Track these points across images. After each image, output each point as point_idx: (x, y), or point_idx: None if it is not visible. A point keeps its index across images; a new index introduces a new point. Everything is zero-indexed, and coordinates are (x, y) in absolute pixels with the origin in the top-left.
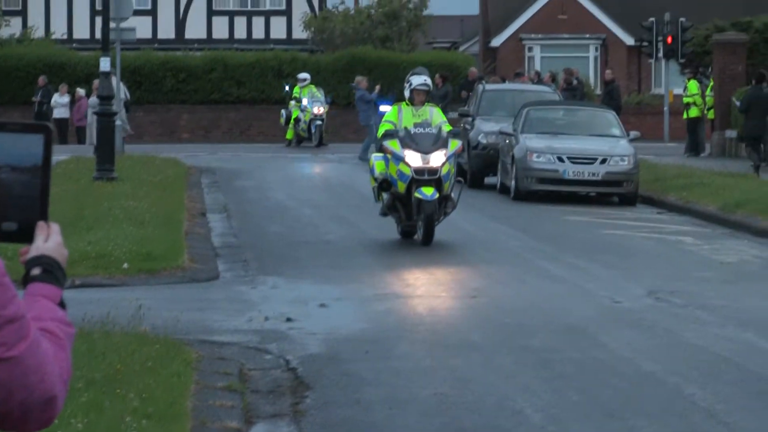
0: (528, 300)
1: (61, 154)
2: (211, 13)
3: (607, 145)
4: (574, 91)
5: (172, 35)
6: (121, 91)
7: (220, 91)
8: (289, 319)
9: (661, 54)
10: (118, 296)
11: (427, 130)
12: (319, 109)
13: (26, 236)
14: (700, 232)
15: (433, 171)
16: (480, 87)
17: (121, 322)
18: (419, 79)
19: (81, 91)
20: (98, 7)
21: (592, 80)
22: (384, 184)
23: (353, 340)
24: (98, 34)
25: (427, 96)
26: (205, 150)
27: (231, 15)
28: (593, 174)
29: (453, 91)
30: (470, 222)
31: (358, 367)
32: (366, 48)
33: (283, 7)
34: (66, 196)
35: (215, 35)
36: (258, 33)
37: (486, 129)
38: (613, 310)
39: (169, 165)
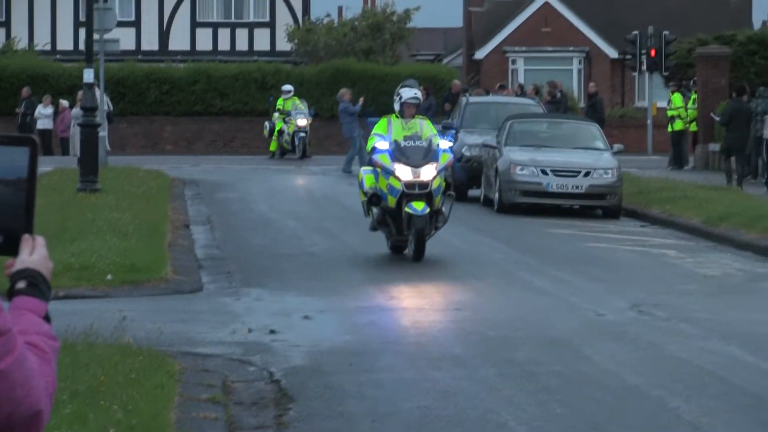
0: (512, 313)
1: (44, 166)
2: (194, 24)
3: (590, 158)
4: (557, 104)
5: (155, 47)
6: (104, 103)
7: (204, 102)
8: (272, 331)
9: (644, 67)
10: (102, 308)
11: (417, 143)
12: (303, 121)
13: (11, 249)
14: (684, 245)
15: (424, 185)
16: (463, 99)
17: (104, 333)
18: (410, 93)
19: (64, 103)
20: (82, 18)
21: (575, 93)
22: (374, 199)
23: (337, 352)
24: (82, 46)
25: (417, 108)
26: (188, 162)
27: (215, 27)
28: (577, 187)
29: (436, 104)
30: (454, 234)
31: (342, 379)
32: (350, 60)
33: (267, 19)
34: (50, 207)
35: (199, 47)
36: (242, 45)
37: (470, 141)
38: (597, 323)
39: (153, 177)
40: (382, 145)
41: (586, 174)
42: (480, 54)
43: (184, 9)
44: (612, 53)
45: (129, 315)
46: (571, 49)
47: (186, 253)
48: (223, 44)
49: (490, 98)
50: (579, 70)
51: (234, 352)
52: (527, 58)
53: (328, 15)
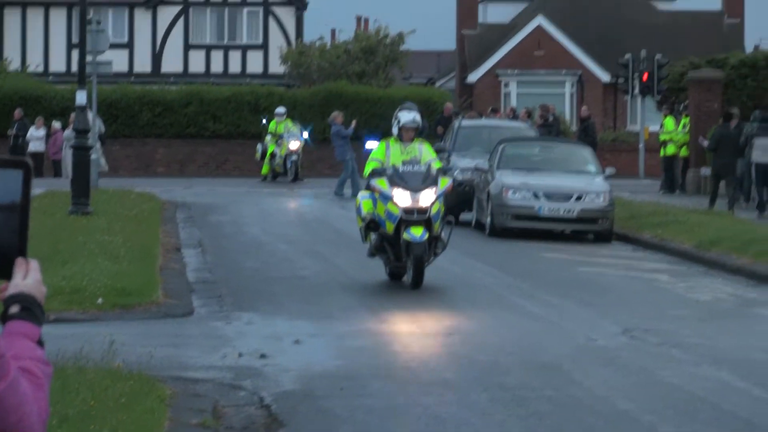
0: (503, 337)
1: (36, 188)
2: (187, 47)
3: (582, 181)
4: (549, 128)
5: (148, 69)
6: (97, 125)
7: (196, 125)
8: (263, 356)
9: (636, 91)
10: (92, 331)
11: (415, 168)
12: (295, 144)
13: (5, 272)
14: (675, 270)
15: (423, 210)
16: (456, 123)
17: (94, 357)
18: (408, 116)
19: (57, 125)
20: (75, 40)
21: (568, 116)
22: (371, 225)
23: (328, 376)
24: (75, 68)
25: (416, 132)
26: (180, 184)
27: (207, 49)
28: (568, 211)
29: (429, 127)
30: (445, 258)
31: (333, 404)
32: (342, 83)
33: (260, 42)
34: (41, 230)
35: (192, 69)
36: (234, 67)
37: (462, 165)
38: (588, 347)
39: (145, 199)
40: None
41: (578, 198)
42: (473, 77)
43: (177, 31)
44: (604, 77)
45: (119, 339)
46: (563, 72)
47: (177, 277)
48: (216, 66)
49: (483, 121)
50: (571, 94)
51: (225, 377)
52: (520, 82)
53: (321, 38)
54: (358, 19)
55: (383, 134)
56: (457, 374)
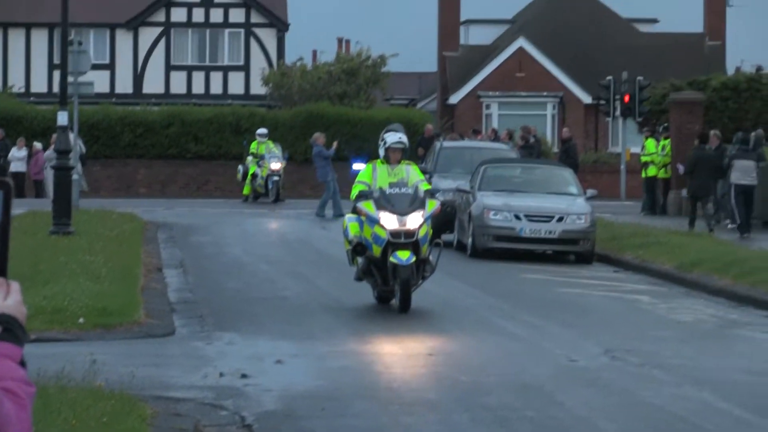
0: (485, 358)
1: (17, 208)
2: (169, 67)
3: (564, 203)
4: (531, 149)
5: (130, 90)
6: (77, 145)
7: (178, 146)
8: (244, 376)
9: (618, 112)
10: (74, 351)
11: (403, 190)
12: (277, 165)
13: None
14: (657, 291)
15: (410, 233)
16: (437, 144)
17: (76, 377)
18: (394, 137)
19: (38, 145)
20: (56, 60)
21: (549, 138)
22: (358, 248)
23: (309, 397)
24: (56, 88)
25: (403, 154)
26: (162, 205)
27: (189, 70)
28: (550, 232)
29: (410, 148)
30: (427, 279)
31: (314, 424)
32: (324, 104)
33: (242, 63)
34: (22, 250)
35: (173, 90)
36: (216, 88)
37: (443, 186)
38: (570, 368)
39: (126, 220)
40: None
41: (560, 219)
42: (454, 99)
43: (159, 52)
44: (586, 98)
45: (101, 358)
46: (545, 94)
47: (159, 297)
48: (198, 87)
49: (464, 143)
50: (553, 115)
51: (206, 396)
52: (501, 103)
53: (300, 58)
54: (340, 41)
55: (370, 156)
56: (439, 395)
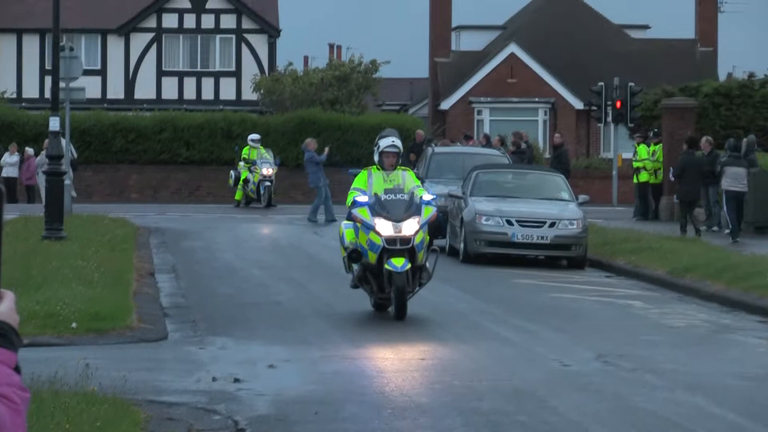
0: (477, 362)
1: (9, 213)
2: (160, 73)
3: (556, 208)
4: (522, 155)
5: (121, 95)
6: (69, 151)
7: (170, 151)
8: (237, 380)
9: (609, 118)
10: (67, 356)
11: (398, 196)
12: (268, 171)
13: None
14: (649, 296)
15: (406, 240)
16: (429, 150)
17: (69, 381)
18: (387, 141)
19: (30, 150)
20: (48, 66)
21: (541, 144)
22: (354, 255)
23: (302, 401)
24: (47, 94)
25: (398, 158)
26: (153, 210)
27: (180, 76)
28: (542, 237)
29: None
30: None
31: (307, 428)
32: (316, 110)
33: (233, 68)
34: (14, 255)
35: (164, 96)
36: (207, 94)
37: (435, 191)
38: (562, 373)
39: (118, 225)
40: (363, 198)
41: (552, 224)
42: (446, 104)
43: (150, 58)
44: (578, 104)
45: (94, 363)
46: (536, 100)
47: (151, 302)
48: (189, 93)
49: (456, 148)
50: (544, 121)
51: (199, 401)
52: (493, 109)
53: (290, 63)
54: (331, 47)
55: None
56: (431, 399)
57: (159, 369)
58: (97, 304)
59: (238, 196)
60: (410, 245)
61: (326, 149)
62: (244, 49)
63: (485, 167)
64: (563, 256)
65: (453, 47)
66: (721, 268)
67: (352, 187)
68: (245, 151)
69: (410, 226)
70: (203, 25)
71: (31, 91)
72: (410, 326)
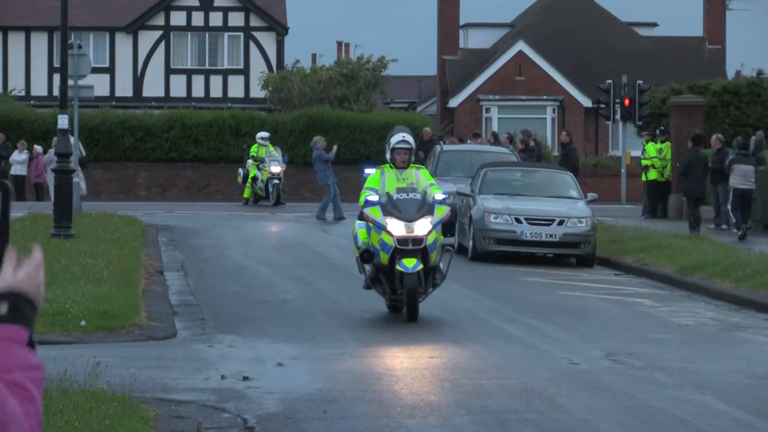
0: (485, 360)
1: (18, 211)
2: (168, 71)
3: (564, 206)
4: (531, 153)
5: (130, 93)
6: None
7: (178, 149)
8: (246, 378)
9: (618, 116)
10: (76, 354)
11: (410, 195)
12: (277, 168)
13: None
14: (658, 294)
15: (418, 240)
16: (437, 147)
17: (78, 379)
18: (398, 137)
19: (38, 148)
20: (56, 64)
21: (549, 141)
22: (365, 255)
23: (310, 399)
24: (56, 92)
25: (410, 155)
26: (162, 208)
27: (189, 73)
28: (551, 235)
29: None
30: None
31: (316, 426)
32: (324, 108)
33: (241, 66)
34: (23, 253)
35: (173, 93)
36: (216, 91)
37: (444, 189)
38: (571, 371)
39: (127, 223)
40: (374, 198)
41: (560, 222)
42: (454, 102)
43: (159, 56)
44: (586, 102)
45: (103, 361)
46: (545, 97)
47: (160, 300)
48: (197, 91)
49: (464, 146)
50: (553, 119)
51: (208, 399)
52: (501, 107)
53: (297, 61)
54: (339, 45)
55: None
56: (440, 397)
57: (168, 367)
58: (106, 302)
59: (246, 193)
60: (422, 245)
61: (334, 147)
62: (253, 47)
63: (494, 165)
64: (572, 254)
65: (461, 45)
66: (730, 266)
67: (365, 186)
68: (254, 149)
69: (422, 226)
70: (211, 23)
71: (39, 88)
72: (418, 324)
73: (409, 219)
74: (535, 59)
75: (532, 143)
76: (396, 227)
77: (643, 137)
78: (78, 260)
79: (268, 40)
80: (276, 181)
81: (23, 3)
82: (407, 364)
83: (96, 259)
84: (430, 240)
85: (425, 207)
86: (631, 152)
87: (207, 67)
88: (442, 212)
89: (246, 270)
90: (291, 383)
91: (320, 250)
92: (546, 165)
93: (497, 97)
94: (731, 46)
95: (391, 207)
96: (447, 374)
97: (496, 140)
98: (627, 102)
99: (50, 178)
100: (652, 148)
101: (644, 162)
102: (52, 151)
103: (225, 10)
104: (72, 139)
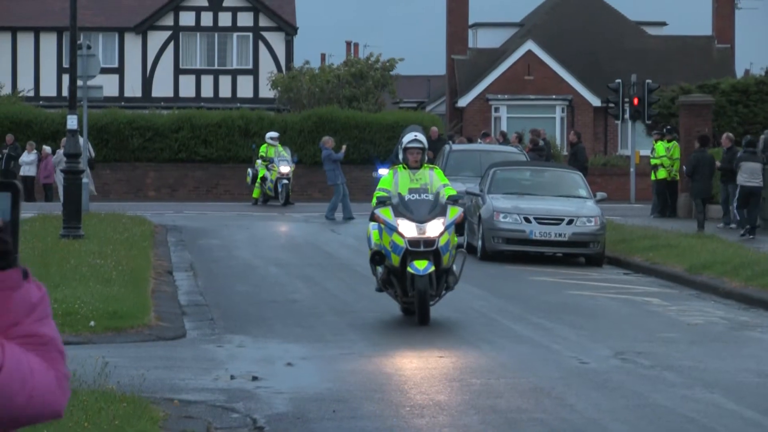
0: (494, 360)
1: (27, 212)
2: (177, 71)
3: (573, 205)
4: (540, 152)
5: (139, 93)
6: (86, 149)
7: (187, 149)
8: (255, 378)
9: (627, 115)
10: (85, 354)
11: (422, 196)
12: (286, 168)
13: None
14: (667, 293)
15: (430, 242)
16: (447, 147)
17: (87, 380)
18: (410, 137)
19: (47, 149)
20: (65, 64)
21: (558, 141)
22: (377, 257)
23: (320, 399)
24: (65, 92)
25: (423, 154)
26: (171, 208)
27: (198, 74)
28: (560, 234)
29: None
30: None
31: (325, 426)
32: (333, 108)
33: (250, 66)
34: (32, 253)
35: (182, 93)
36: (225, 92)
37: None
38: (580, 370)
39: (136, 223)
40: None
41: (569, 222)
42: (463, 102)
43: (168, 56)
44: (595, 101)
45: (112, 361)
46: (554, 97)
47: (169, 300)
48: (206, 91)
49: (474, 146)
50: (562, 118)
51: (217, 399)
52: (510, 106)
53: (307, 62)
54: (348, 45)
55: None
56: (449, 397)
57: (177, 367)
58: (115, 302)
59: (255, 193)
60: (434, 247)
61: (343, 147)
62: (261, 47)
63: (503, 164)
64: (581, 253)
65: (470, 44)
66: (739, 265)
67: (378, 187)
68: (263, 149)
69: (434, 228)
70: (220, 23)
71: (48, 89)
72: (428, 324)
73: (420, 220)
74: (544, 59)
75: (541, 143)
76: (407, 228)
77: (652, 136)
78: (87, 261)
79: (277, 40)
80: (285, 181)
81: (32, 4)
82: (416, 364)
83: (105, 260)
84: (442, 242)
85: (437, 208)
86: (640, 151)
87: (216, 67)
88: (455, 213)
89: (255, 270)
90: (300, 383)
91: (329, 250)
92: (555, 164)
93: (506, 96)
94: (740, 45)
95: (402, 208)
96: (456, 374)
97: (504, 139)
98: (636, 101)
99: (59, 179)
100: (661, 147)
101: (653, 161)
102: (61, 151)
103: (234, 10)
104: (81, 140)
